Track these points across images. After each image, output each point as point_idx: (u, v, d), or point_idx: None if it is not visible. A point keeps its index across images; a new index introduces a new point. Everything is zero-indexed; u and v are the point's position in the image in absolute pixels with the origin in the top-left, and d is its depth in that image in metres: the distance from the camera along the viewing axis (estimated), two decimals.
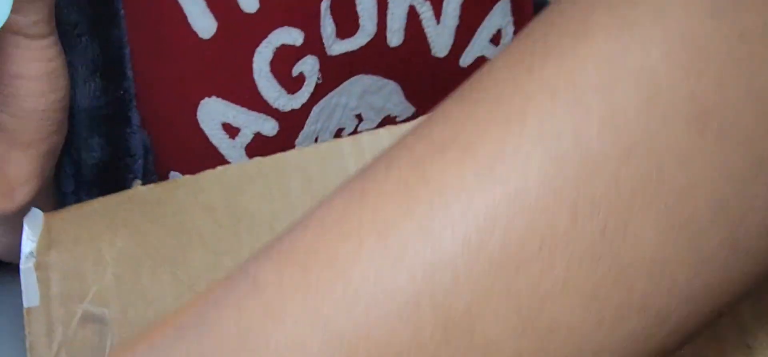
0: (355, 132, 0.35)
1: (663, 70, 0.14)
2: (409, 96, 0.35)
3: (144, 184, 0.29)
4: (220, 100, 0.31)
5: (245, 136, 0.32)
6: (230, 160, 0.32)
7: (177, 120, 0.31)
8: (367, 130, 0.34)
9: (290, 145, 0.33)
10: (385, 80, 0.34)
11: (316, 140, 0.34)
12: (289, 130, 0.32)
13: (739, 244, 0.15)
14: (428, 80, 0.35)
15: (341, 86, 0.33)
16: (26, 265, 0.24)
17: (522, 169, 0.14)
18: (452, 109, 0.16)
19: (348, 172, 0.27)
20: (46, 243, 0.25)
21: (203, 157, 0.32)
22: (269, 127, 0.32)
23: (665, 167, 0.14)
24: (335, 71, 0.32)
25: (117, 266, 0.25)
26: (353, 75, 0.33)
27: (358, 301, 0.14)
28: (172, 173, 0.33)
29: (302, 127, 0.33)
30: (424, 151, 0.16)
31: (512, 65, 0.16)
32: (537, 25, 0.17)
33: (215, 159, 0.32)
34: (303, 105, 0.32)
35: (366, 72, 0.33)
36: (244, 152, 0.32)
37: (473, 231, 0.14)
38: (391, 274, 0.14)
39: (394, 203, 0.15)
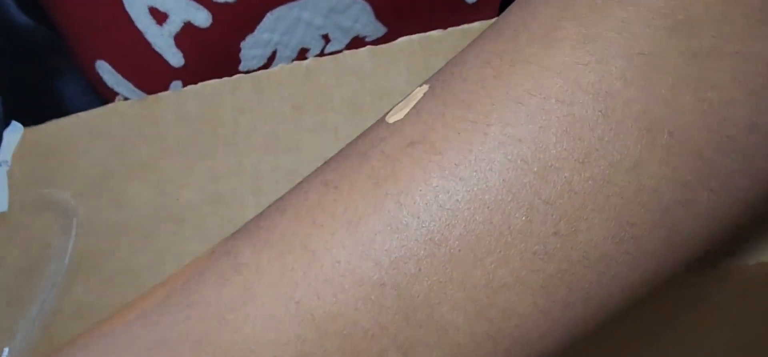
0: (321, 52, 0.33)
1: (620, 85, 0.15)
2: (380, 15, 0.33)
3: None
4: None
5: (174, 24, 0.30)
6: (158, 50, 0.30)
7: (101, 3, 0.29)
8: (335, 51, 0.32)
9: (233, 46, 0.31)
10: None
11: (274, 54, 0.32)
12: (228, 27, 0.30)
13: (676, 244, 0.17)
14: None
15: (304, 0, 0.31)
16: None
17: (484, 170, 0.16)
18: (424, 106, 0.17)
19: (327, 92, 0.27)
20: (21, 152, 0.25)
21: (129, 44, 0.30)
22: (201, 17, 0.30)
23: (616, 174, 0.15)
24: None
25: (90, 173, 0.26)
26: None
27: (329, 286, 0.16)
28: (98, 62, 0.31)
29: (251, 31, 0.31)
30: (396, 147, 0.16)
31: (482, 67, 0.17)
32: (509, 21, 0.17)
33: (142, 46, 0.30)
34: (243, 0, 0.29)
35: None
36: (172, 42, 0.30)
37: (436, 226, 0.16)
38: (359, 262, 0.16)
39: (365, 197, 0.16)
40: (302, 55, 0.33)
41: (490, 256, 0.15)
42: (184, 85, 0.30)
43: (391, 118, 0.18)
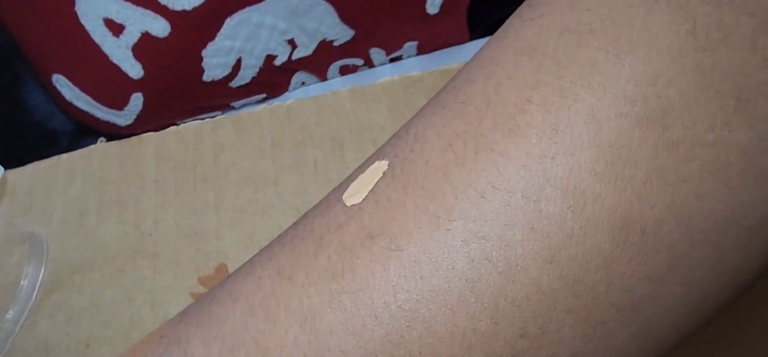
0: (289, 59, 0.32)
1: (589, 181, 0.15)
2: (344, 17, 0.32)
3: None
4: None
5: (131, 35, 0.28)
6: (116, 62, 0.29)
7: (54, 15, 0.28)
8: (303, 57, 0.32)
9: (194, 55, 0.29)
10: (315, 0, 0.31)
11: (239, 61, 0.31)
12: (188, 35, 0.29)
13: (649, 339, 0.16)
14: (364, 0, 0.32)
15: (264, 2, 0.30)
16: None
17: (446, 269, 0.15)
18: (384, 191, 0.16)
19: (307, 129, 0.27)
20: (0, 193, 0.25)
21: (86, 58, 0.29)
22: (159, 27, 0.28)
23: (586, 273, 0.15)
24: None
25: (65, 211, 0.25)
26: None
27: None
28: (55, 76, 0.30)
29: (211, 38, 0.30)
30: (354, 238, 0.16)
31: (444, 150, 0.16)
32: (473, 94, 0.17)
33: (99, 59, 0.29)
34: (200, 7, 0.28)
35: None
36: (130, 53, 0.29)
37: (395, 326, 0.15)
38: None
39: (321, 292, 0.15)
40: (269, 62, 0.32)
41: None
42: (145, 96, 0.29)
43: (349, 200, 0.17)
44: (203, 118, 0.28)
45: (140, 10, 0.28)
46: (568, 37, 0.16)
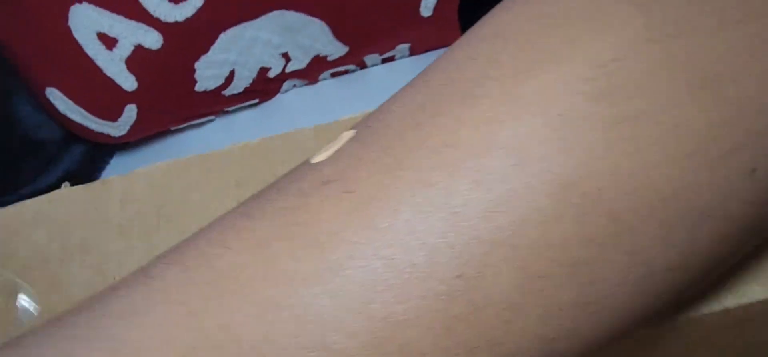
0: (282, 72, 0.33)
1: (535, 144, 0.16)
2: (339, 35, 0.33)
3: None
4: (91, 6, 0.28)
5: (124, 48, 0.29)
6: (110, 75, 0.29)
7: (48, 30, 0.28)
8: (297, 70, 0.32)
9: (187, 67, 0.30)
10: (309, 17, 0.32)
11: (232, 74, 0.31)
12: (180, 48, 0.30)
13: (590, 304, 0.16)
14: (359, 18, 0.33)
15: (259, 19, 0.30)
16: None
17: (391, 209, 0.16)
18: (346, 149, 0.17)
19: (272, 168, 0.27)
20: None
21: (80, 71, 0.29)
22: (152, 39, 0.29)
23: (524, 227, 0.15)
24: (248, 2, 0.30)
25: (29, 259, 0.25)
26: (273, 9, 0.31)
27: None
28: (49, 89, 0.30)
29: (204, 51, 0.30)
30: (311, 184, 0.17)
31: (404, 117, 0.17)
32: (437, 74, 0.18)
33: (93, 72, 0.29)
34: (192, 19, 0.29)
35: (287, 7, 0.31)
36: (124, 66, 0.29)
37: (337, 256, 0.16)
38: (261, 283, 0.16)
39: (274, 224, 0.16)
40: (262, 74, 0.32)
41: (390, 291, 0.15)
42: (139, 107, 0.29)
43: (315, 159, 0.18)
44: (196, 124, 0.27)
45: (133, 23, 0.28)
46: (528, 26, 0.17)
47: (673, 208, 0.16)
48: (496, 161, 0.16)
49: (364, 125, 0.18)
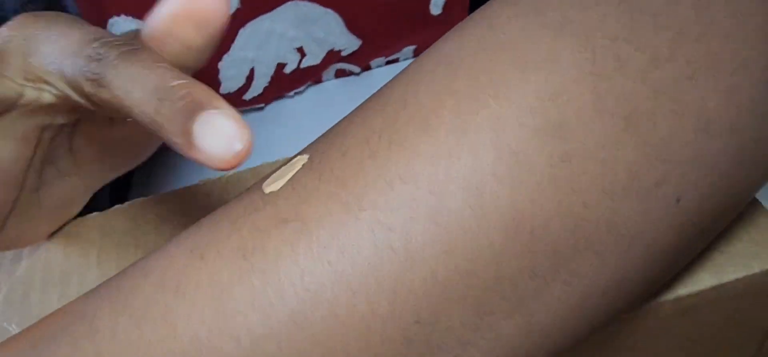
0: (298, 67, 0.33)
1: (489, 181, 0.16)
2: (352, 27, 0.33)
3: None
4: (130, 18, 0.30)
5: None
6: None
7: None
8: (312, 66, 0.32)
9: (211, 69, 0.30)
10: (323, 9, 0.33)
11: (252, 72, 0.31)
12: None
13: (533, 331, 0.17)
14: (372, 10, 0.34)
15: (274, 11, 0.31)
16: None
17: (350, 254, 0.15)
18: (301, 180, 0.17)
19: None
20: None
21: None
22: None
23: (478, 265, 0.16)
24: None
25: (9, 291, 0.26)
26: (287, 0, 0.31)
27: None
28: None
29: (227, 50, 0.31)
30: (267, 220, 0.16)
31: (360, 144, 0.17)
32: (394, 95, 0.18)
33: None
34: None
35: None
36: None
37: (300, 306, 0.15)
38: (219, 338, 0.15)
39: (231, 268, 0.16)
40: (279, 70, 0.32)
41: (354, 340, 0.15)
42: None
43: (268, 188, 0.17)
44: None
45: None
46: (482, 54, 0.17)
47: (607, 238, 0.16)
48: (452, 201, 0.15)
49: (317, 150, 0.18)
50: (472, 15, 0.19)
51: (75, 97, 0.19)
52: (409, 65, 0.19)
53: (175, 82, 0.16)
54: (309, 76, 0.36)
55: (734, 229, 0.23)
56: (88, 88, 0.18)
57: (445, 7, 0.36)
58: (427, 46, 0.38)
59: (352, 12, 0.34)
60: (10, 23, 0.19)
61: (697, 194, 0.17)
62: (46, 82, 0.19)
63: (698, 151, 0.17)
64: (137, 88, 0.17)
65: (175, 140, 0.16)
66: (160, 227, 0.27)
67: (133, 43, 0.18)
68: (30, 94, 0.20)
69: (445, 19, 0.37)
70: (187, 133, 0.16)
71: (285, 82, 0.35)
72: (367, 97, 0.19)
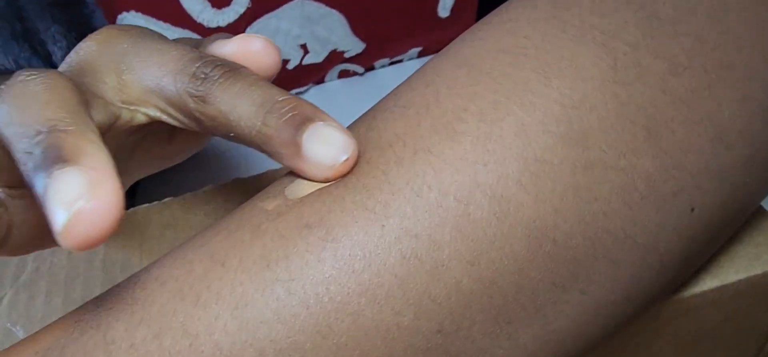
0: (300, 64, 0.33)
1: (515, 190, 0.15)
2: (356, 29, 0.33)
3: None
4: (139, 13, 0.30)
5: None
6: None
7: None
8: (313, 64, 0.33)
9: None
10: (328, 9, 0.33)
11: None
12: None
13: (549, 339, 0.16)
14: (378, 10, 0.33)
15: (281, 8, 0.32)
16: None
17: (378, 265, 0.15)
18: (326, 188, 0.17)
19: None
20: None
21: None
22: None
23: (501, 275, 0.15)
24: None
25: (15, 294, 0.26)
26: None
27: None
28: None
29: None
30: (291, 227, 0.16)
31: (384, 150, 0.17)
32: (414, 99, 0.17)
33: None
34: (231, 24, 0.30)
35: None
36: None
37: (325, 318, 0.15)
38: (242, 350, 0.15)
39: (254, 279, 0.15)
40: (283, 67, 0.33)
41: (376, 350, 0.15)
42: None
43: (291, 194, 0.17)
44: None
45: (178, 29, 0.29)
46: (503, 58, 0.17)
47: (624, 247, 0.16)
48: (479, 210, 0.15)
49: None
50: (487, 17, 0.19)
51: (172, 113, 0.18)
52: (424, 66, 0.19)
53: (282, 98, 0.17)
54: (311, 74, 0.36)
55: (736, 231, 0.23)
56: (192, 105, 0.18)
57: (454, 9, 0.36)
58: (433, 48, 0.39)
59: (357, 13, 0.33)
60: (96, 37, 0.19)
61: (710, 203, 0.17)
62: (143, 103, 0.19)
63: (713, 161, 0.17)
64: (243, 103, 0.17)
65: (281, 150, 0.17)
66: (164, 233, 0.27)
67: (232, 62, 0.18)
68: (125, 116, 0.19)
69: (453, 21, 0.36)
70: (295, 144, 0.16)
71: (287, 80, 0.35)
72: (370, 96, 0.19)
